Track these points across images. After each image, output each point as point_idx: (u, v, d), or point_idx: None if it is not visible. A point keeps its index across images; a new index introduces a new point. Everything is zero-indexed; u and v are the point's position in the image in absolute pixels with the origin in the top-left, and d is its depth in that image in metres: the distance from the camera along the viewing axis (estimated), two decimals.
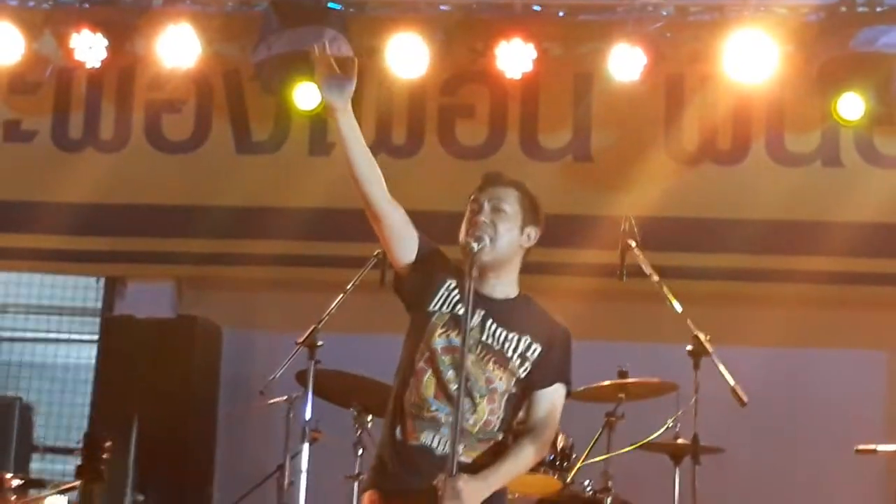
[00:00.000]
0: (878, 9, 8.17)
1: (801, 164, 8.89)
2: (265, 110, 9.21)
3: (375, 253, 6.60)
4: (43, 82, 9.33)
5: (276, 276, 9.32)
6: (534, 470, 5.07)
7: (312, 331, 6.62)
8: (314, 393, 6.69)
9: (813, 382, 8.76)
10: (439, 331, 4.32)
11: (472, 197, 4.46)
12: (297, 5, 8.60)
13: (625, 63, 8.44)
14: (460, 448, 4.13)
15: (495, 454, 4.30)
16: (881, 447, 7.05)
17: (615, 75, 8.50)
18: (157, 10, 8.83)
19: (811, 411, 8.66)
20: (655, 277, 6.28)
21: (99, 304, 9.95)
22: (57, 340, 10.63)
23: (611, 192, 8.68)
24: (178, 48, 8.70)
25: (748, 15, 8.38)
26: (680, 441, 6.82)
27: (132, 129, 9.36)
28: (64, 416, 10.09)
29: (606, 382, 6.96)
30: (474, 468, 4.21)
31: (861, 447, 7.05)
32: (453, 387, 4.18)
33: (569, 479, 6.76)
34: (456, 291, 4.35)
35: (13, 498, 6.84)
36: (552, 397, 4.40)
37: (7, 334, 10.73)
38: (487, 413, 4.29)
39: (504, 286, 4.43)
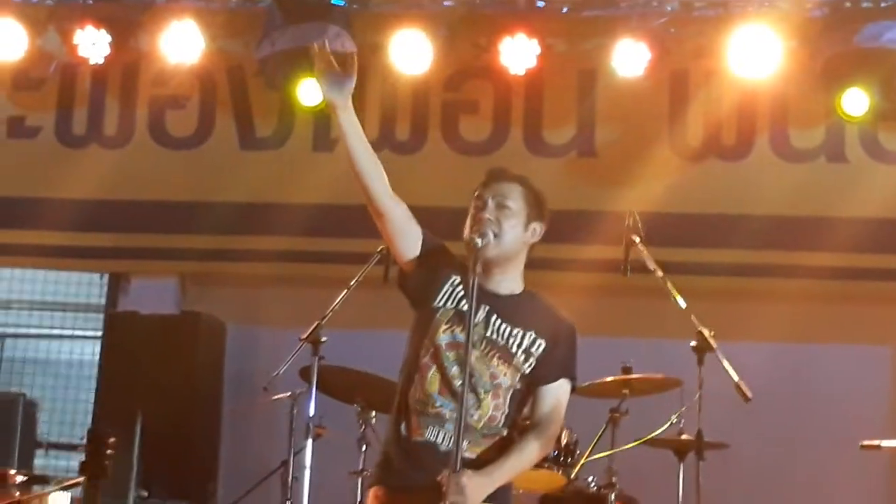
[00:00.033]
0: (883, 4, 8.16)
1: (805, 160, 8.88)
2: (269, 106, 9.21)
3: (379, 249, 6.60)
4: (47, 78, 9.34)
5: (279, 273, 9.32)
6: (538, 466, 5.06)
7: (316, 327, 6.61)
8: (318, 389, 6.68)
9: (817, 378, 8.76)
10: (444, 327, 4.32)
11: (476, 193, 4.46)
12: (301, 1, 8.59)
13: (629, 59, 8.43)
14: (465, 444, 4.13)
15: (500, 450, 4.29)
16: (886, 442, 7.03)
17: (619, 71, 8.50)
18: (161, 6, 8.83)
19: (815, 407, 8.66)
20: (659, 273, 6.27)
21: (103, 301, 9.95)
22: (61, 337, 10.64)
23: (615, 187, 8.68)
24: (181, 44, 8.69)
25: (752, 10, 8.37)
26: (684, 437, 6.82)
27: (136, 126, 9.36)
28: (68, 412, 10.10)
29: (610, 378, 6.96)
30: (479, 464, 4.21)
31: (866, 443, 7.04)
32: (457, 383, 4.18)
33: (573, 475, 6.76)
34: (460, 287, 4.35)
35: (17, 494, 6.84)
36: (557, 393, 4.39)
37: (11, 330, 10.73)
38: (492, 409, 4.29)
39: (509, 282, 4.43)
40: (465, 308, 4.20)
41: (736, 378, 5.79)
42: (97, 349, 9.49)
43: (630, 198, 8.19)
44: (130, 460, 8.13)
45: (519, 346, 4.33)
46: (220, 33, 8.88)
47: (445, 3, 8.67)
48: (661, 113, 8.97)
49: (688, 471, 6.74)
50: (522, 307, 4.40)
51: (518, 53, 8.51)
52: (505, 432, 4.34)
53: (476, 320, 4.23)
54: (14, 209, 9.37)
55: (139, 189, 9.30)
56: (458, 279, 4.37)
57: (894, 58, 8.19)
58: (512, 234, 4.37)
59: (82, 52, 8.76)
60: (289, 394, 7.21)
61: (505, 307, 4.37)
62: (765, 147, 8.90)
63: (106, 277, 9.94)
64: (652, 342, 7.97)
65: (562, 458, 6.65)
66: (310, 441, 6.61)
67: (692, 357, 5.97)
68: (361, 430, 7.09)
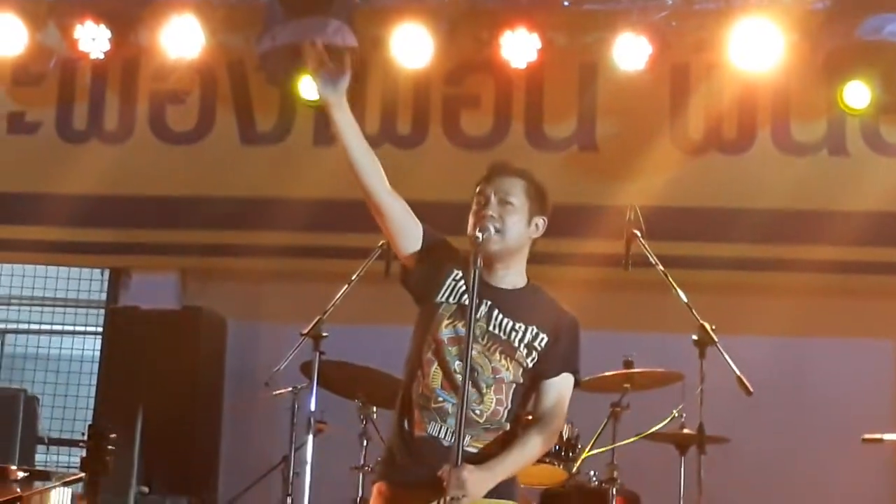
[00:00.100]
0: None
1: (806, 153, 8.88)
2: (269, 101, 9.21)
3: (380, 244, 6.61)
4: (47, 74, 9.33)
5: (280, 267, 9.32)
6: (539, 460, 5.06)
7: (317, 322, 6.62)
8: (319, 384, 6.69)
9: (819, 372, 8.76)
10: (446, 321, 4.31)
11: (478, 189, 4.43)
12: None
13: (630, 52, 8.42)
14: (467, 438, 4.12)
15: (503, 444, 4.28)
16: (887, 436, 7.04)
17: (620, 65, 8.49)
18: (161, 1, 8.82)
19: (817, 401, 8.66)
20: (661, 267, 6.27)
21: (103, 296, 9.95)
22: (62, 332, 10.66)
23: (616, 181, 8.66)
24: (182, 39, 8.69)
25: (753, 3, 8.36)
26: (685, 431, 6.82)
27: (136, 121, 9.36)
28: (69, 407, 10.11)
29: (611, 372, 6.96)
30: (481, 458, 4.19)
31: (867, 436, 7.04)
32: (460, 377, 4.16)
33: (574, 470, 6.77)
34: (462, 282, 4.34)
35: (18, 490, 6.84)
36: (560, 387, 4.37)
37: (12, 326, 10.75)
38: (494, 403, 4.28)
39: (512, 276, 4.42)
40: (468, 303, 4.19)
41: (737, 372, 5.80)
42: (98, 345, 9.51)
43: (631, 192, 8.17)
44: (131, 456, 8.12)
45: (521, 340, 4.32)
46: (220, 28, 8.87)
47: None
48: (662, 107, 8.96)
49: (689, 465, 6.74)
50: (525, 301, 4.39)
51: (519, 47, 8.50)
52: (508, 427, 4.32)
53: (478, 315, 4.23)
54: (14, 205, 9.37)
55: (140, 184, 9.29)
56: (459, 274, 4.35)
57: (895, 50, 8.19)
58: (515, 229, 4.35)
59: (82, 47, 8.76)
60: (290, 389, 7.21)
61: (507, 301, 4.35)
62: (766, 140, 8.90)
63: (107, 273, 9.95)
64: (653, 336, 7.96)
65: (563, 453, 6.65)
66: (311, 436, 6.62)
67: (693, 351, 5.98)
68: (362, 425, 7.09)
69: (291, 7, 8.46)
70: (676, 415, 6.91)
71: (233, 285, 9.48)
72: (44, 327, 10.75)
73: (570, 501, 7.02)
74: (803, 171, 8.85)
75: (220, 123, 9.30)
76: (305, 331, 6.62)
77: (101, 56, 8.84)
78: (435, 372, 4.27)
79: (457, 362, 4.22)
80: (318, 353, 6.68)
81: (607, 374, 6.91)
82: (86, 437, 6.49)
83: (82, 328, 10.51)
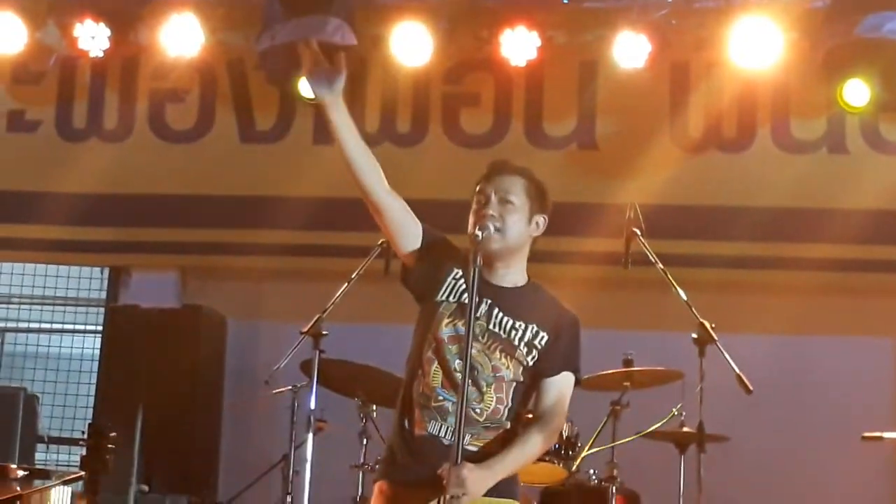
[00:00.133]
0: None
1: (806, 151, 8.87)
2: (269, 99, 9.21)
3: (380, 242, 6.61)
4: (46, 72, 9.33)
5: (280, 266, 9.32)
6: (539, 459, 5.06)
7: (317, 320, 6.62)
8: (319, 382, 6.69)
9: (819, 370, 8.76)
10: (446, 320, 4.30)
11: (478, 188, 4.42)
12: None
13: (630, 50, 8.42)
14: (467, 437, 4.12)
15: (503, 443, 4.27)
16: (887, 434, 7.05)
17: (620, 63, 8.48)
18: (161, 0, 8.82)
19: (817, 399, 8.66)
20: (660, 265, 6.27)
21: (103, 294, 9.96)
22: (61, 331, 10.65)
23: (615, 180, 8.66)
24: (181, 37, 8.69)
25: (753, 1, 8.36)
26: (685, 429, 6.82)
27: (136, 119, 9.36)
28: (69, 406, 10.11)
29: (611, 371, 6.96)
30: (481, 457, 4.19)
31: (867, 434, 7.04)
32: (460, 376, 4.16)
33: (574, 468, 6.77)
34: (462, 280, 4.33)
35: (18, 488, 6.84)
36: (560, 386, 4.37)
37: (12, 325, 10.75)
38: (494, 402, 4.27)
39: (512, 275, 4.41)
40: (468, 301, 4.19)
41: (737, 370, 5.79)
42: (98, 343, 9.51)
43: (631, 190, 8.17)
44: (131, 454, 8.13)
45: (521, 338, 4.31)
46: (219, 26, 8.87)
47: None
48: (661, 105, 8.96)
49: (689, 463, 6.74)
50: (525, 300, 4.38)
51: (519, 45, 8.50)
52: (508, 425, 4.31)
53: (478, 313, 4.23)
54: (14, 203, 9.37)
55: (139, 183, 9.30)
56: (459, 273, 4.35)
57: (895, 48, 8.17)
58: (516, 228, 4.35)
59: (82, 45, 8.76)
60: (290, 387, 7.21)
61: (507, 300, 4.35)
62: (766, 139, 8.90)
63: (106, 271, 9.96)
64: (653, 334, 7.97)
65: (563, 451, 6.65)
66: (311, 434, 6.62)
67: (693, 349, 5.97)
68: (362, 423, 7.10)
69: (291, 5, 8.45)
70: (676, 413, 6.91)
71: (233, 284, 9.49)
72: (44, 326, 10.75)
73: (569, 500, 7.02)
74: (803, 169, 8.85)
75: (220, 122, 9.30)
76: (305, 329, 6.62)
77: (101, 54, 8.84)
78: (435, 371, 4.27)
79: (457, 361, 4.22)
80: (317, 352, 6.68)
81: (607, 372, 6.91)
82: (86, 436, 6.50)
83: (82, 327, 10.51)
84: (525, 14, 8.49)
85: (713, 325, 5.95)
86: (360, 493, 7.04)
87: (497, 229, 4.29)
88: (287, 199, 9.01)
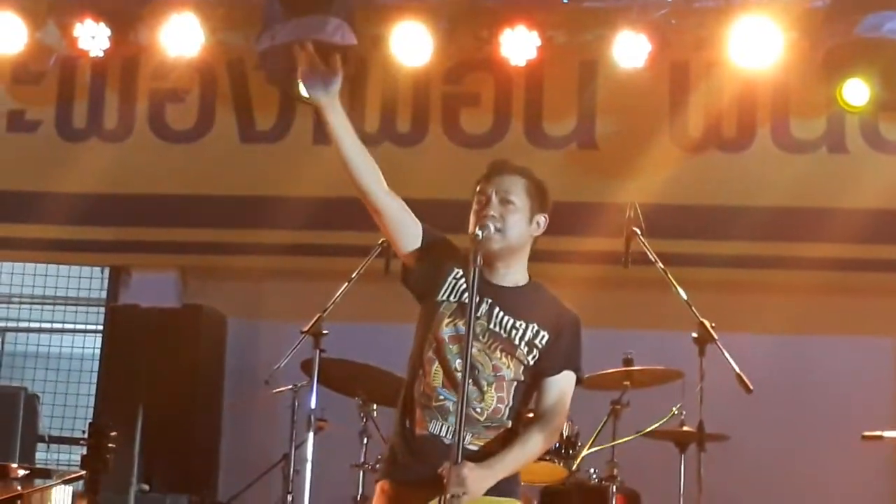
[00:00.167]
0: None
1: (806, 151, 8.88)
2: (269, 99, 9.21)
3: (380, 242, 6.61)
4: (46, 72, 9.33)
5: (280, 266, 9.33)
6: (539, 458, 5.06)
7: (317, 320, 6.62)
8: (319, 382, 6.69)
9: (819, 369, 8.76)
10: (447, 320, 4.30)
11: (478, 188, 4.42)
12: None
13: (629, 50, 8.42)
14: (468, 436, 4.13)
15: (504, 442, 4.28)
16: (887, 433, 7.05)
17: (620, 62, 8.48)
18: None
19: (817, 398, 8.66)
20: (660, 265, 6.27)
21: (103, 294, 9.97)
22: (62, 330, 10.66)
23: (615, 179, 8.67)
24: (181, 37, 8.68)
25: (753, 1, 8.36)
26: (685, 429, 6.83)
27: (136, 119, 9.36)
28: (69, 405, 10.12)
29: (611, 370, 6.96)
30: (482, 456, 4.19)
31: (867, 434, 7.04)
32: (461, 375, 4.16)
33: (574, 467, 6.77)
34: (463, 280, 4.33)
35: (19, 488, 6.85)
36: (561, 385, 4.37)
37: (12, 324, 10.75)
38: (495, 401, 4.28)
39: (513, 274, 4.41)
40: (468, 301, 4.19)
41: (737, 369, 5.80)
42: (98, 343, 9.51)
43: (631, 189, 8.17)
44: (131, 454, 8.13)
45: (522, 338, 4.32)
46: (219, 26, 8.86)
47: None
48: (661, 104, 8.96)
49: (689, 462, 6.74)
50: (526, 299, 4.38)
51: (518, 45, 8.50)
52: (509, 424, 4.31)
53: (479, 313, 4.23)
54: (14, 203, 9.37)
55: (139, 182, 9.30)
56: (460, 272, 4.35)
57: (895, 48, 8.17)
58: (516, 228, 4.35)
59: (82, 45, 8.76)
60: (290, 387, 7.21)
61: (508, 299, 4.35)
62: (766, 138, 8.90)
63: (106, 271, 9.96)
64: (653, 334, 7.97)
65: (563, 451, 6.65)
66: (311, 434, 6.61)
67: (693, 349, 5.97)
68: (363, 422, 7.10)
69: (291, 5, 8.45)
70: (676, 412, 6.91)
71: (233, 283, 9.49)
72: (44, 325, 10.76)
73: (570, 499, 7.02)
74: (803, 168, 8.85)
75: (220, 122, 9.30)
76: (305, 329, 6.62)
77: (101, 54, 8.84)
78: (436, 370, 4.27)
79: (457, 360, 4.22)
80: (318, 351, 6.68)
81: (607, 371, 6.91)
82: (86, 435, 6.50)
83: (82, 326, 10.52)
84: (525, 14, 8.49)
85: (713, 325, 5.95)
86: (360, 493, 7.04)
87: (498, 229, 4.29)
88: (287, 199, 9.01)
